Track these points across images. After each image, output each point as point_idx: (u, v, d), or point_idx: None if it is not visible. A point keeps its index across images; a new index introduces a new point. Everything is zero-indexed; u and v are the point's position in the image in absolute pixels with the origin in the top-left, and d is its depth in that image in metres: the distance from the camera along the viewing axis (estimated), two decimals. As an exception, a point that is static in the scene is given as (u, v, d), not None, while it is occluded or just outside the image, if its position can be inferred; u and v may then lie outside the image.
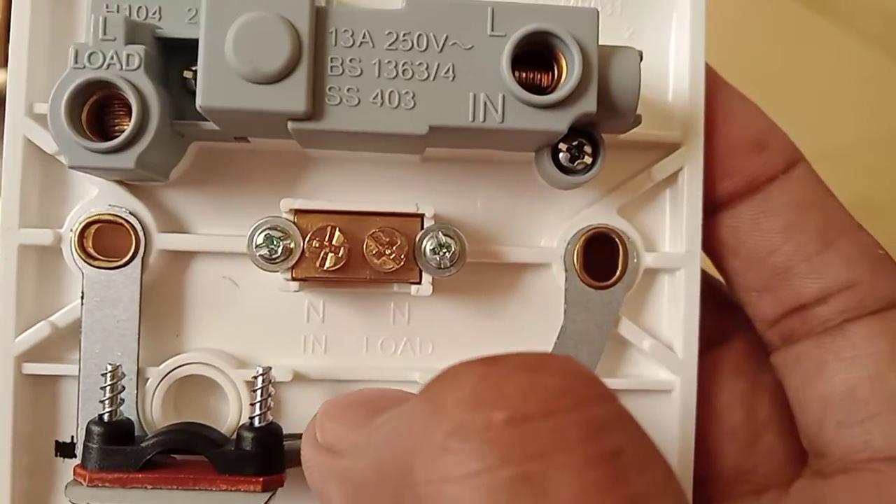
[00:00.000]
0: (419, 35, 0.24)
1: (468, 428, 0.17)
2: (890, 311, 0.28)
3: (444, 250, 0.27)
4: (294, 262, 0.27)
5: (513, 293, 0.30)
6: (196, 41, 0.23)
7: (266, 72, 0.23)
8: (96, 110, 0.25)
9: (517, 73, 0.24)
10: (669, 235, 0.30)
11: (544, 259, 0.29)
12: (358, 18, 0.24)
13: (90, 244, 0.28)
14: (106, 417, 0.26)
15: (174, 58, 0.26)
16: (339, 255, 0.27)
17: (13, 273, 0.27)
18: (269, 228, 0.27)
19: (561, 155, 0.26)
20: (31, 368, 0.28)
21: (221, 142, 0.28)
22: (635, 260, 0.29)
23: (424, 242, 0.27)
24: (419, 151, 0.27)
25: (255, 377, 0.27)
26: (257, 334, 0.29)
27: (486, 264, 0.29)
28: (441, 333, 0.29)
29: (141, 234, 0.28)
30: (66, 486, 0.26)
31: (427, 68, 0.24)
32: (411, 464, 0.18)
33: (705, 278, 0.30)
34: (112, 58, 0.24)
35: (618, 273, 0.29)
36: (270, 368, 0.27)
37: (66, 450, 0.28)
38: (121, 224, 0.28)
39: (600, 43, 0.24)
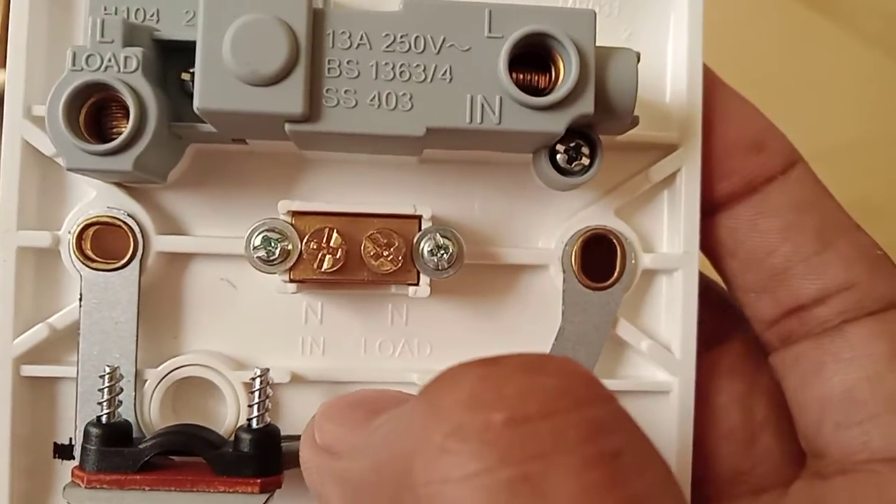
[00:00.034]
0: (416, 37, 0.24)
1: (467, 429, 0.17)
2: (888, 312, 0.27)
3: (442, 252, 0.27)
4: (292, 263, 0.27)
5: (510, 294, 0.30)
6: (194, 43, 0.23)
7: (263, 74, 0.23)
8: (94, 112, 0.25)
9: (514, 75, 0.24)
10: (667, 236, 0.30)
11: (542, 260, 0.29)
12: (355, 20, 0.24)
13: (88, 246, 0.28)
14: (104, 419, 0.26)
15: (172, 60, 0.26)
16: (337, 256, 0.27)
17: (11, 275, 0.28)
18: (267, 230, 0.27)
19: (558, 156, 0.26)
20: (30, 370, 0.28)
21: (219, 144, 0.28)
22: (633, 261, 0.29)
23: (422, 244, 0.27)
24: (417, 153, 0.27)
25: (253, 379, 0.27)
26: (255, 336, 0.29)
27: (484, 266, 0.29)
28: (439, 335, 0.29)
29: (139, 235, 0.28)
30: (64, 488, 0.26)
31: (424, 70, 0.24)
32: (410, 465, 0.18)
33: (701, 279, 0.30)
34: (110, 60, 0.24)
35: (615, 274, 0.29)
36: (268, 370, 0.27)
37: (64, 451, 0.28)
38: (119, 226, 0.28)
39: (598, 44, 0.25)
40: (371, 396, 0.24)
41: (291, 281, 0.27)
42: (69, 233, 0.28)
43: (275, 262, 0.27)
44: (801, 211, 0.28)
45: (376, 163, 0.29)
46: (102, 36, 0.24)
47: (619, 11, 0.30)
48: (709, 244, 0.30)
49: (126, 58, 0.24)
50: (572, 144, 0.26)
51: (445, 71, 0.24)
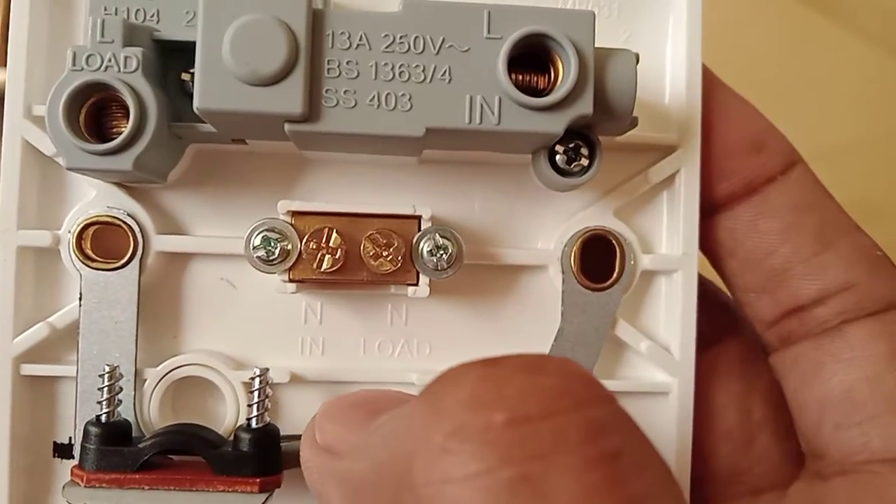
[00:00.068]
0: (416, 37, 0.24)
1: (468, 429, 0.18)
2: (888, 313, 0.27)
3: (441, 252, 0.27)
4: (291, 263, 0.27)
5: (510, 295, 0.30)
6: (194, 43, 0.23)
7: (263, 74, 0.23)
8: (94, 112, 0.25)
9: (513, 76, 0.24)
10: (666, 237, 0.30)
11: (541, 261, 0.29)
12: (354, 21, 0.24)
13: (88, 246, 0.28)
14: (103, 418, 0.26)
15: (172, 60, 0.26)
16: (337, 256, 0.27)
17: (11, 274, 0.28)
18: (267, 230, 0.27)
19: (557, 157, 0.26)
20: (30, 369, 0.28)
21: (219, 144, 0.28)
22: (632, 262, 0.29)
23: (421, 244, 0.27)
24: (416, 153, 0.27)
25: (253, 378, 0.27)
26: (255, 336, 0.29)
27: (483, 266, 0.29)
28: (438, 335, 0.29)
29: (139, 235, 0.28)
30: (64, 487, 0.26)
31: (423, 70, 0.24)
32: (411, 465, 0.18)
33: (698, 279, 0.30)
34: (110, 60, 0.24)
35: (615, 275, 0.29)
36: (268, 370, 0.27)
37: (63, 451, 0.28)
38: (119, 226, 0.28)
39: (597, 45, 0.25)
40: (372, 396, 0.24)
41: (291, 281, 0.27)
42: (69, 232, 0.28)
43: (274, 262, 0.27)
44: (801, 211, 0.28)
45: (376, 163, 0.29)
46: (102, 36, 0.24)
47: (618, 12, 0.30)
48: (709, 245, 0.30)
49: (126, 58, 0.24)
50: (571, 145, 0.26)
51: (445, 71, 0.24)
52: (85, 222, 0.28)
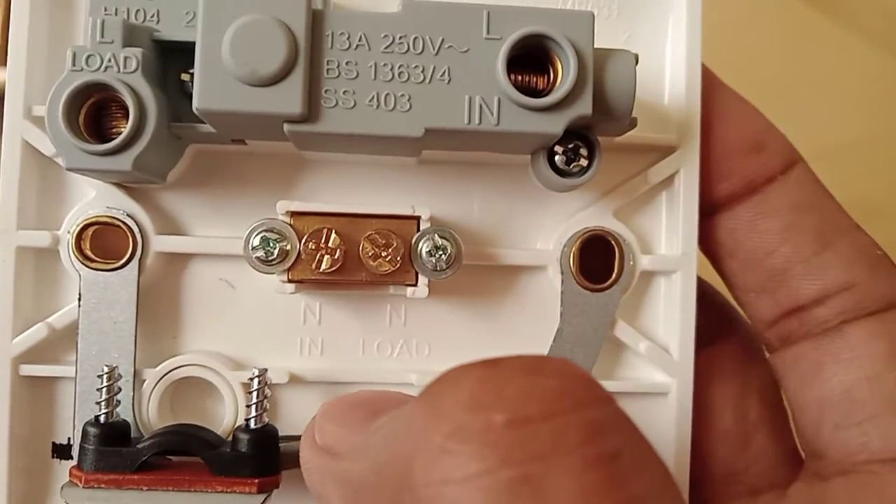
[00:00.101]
0: (415, 38, 0.24)
1: (468, 430, 0.18)
2: (888, 313, 0.27)
3: (441, 252, 0.27)
4: (290, 264, 0.27)
5: (509, 295, 0.30)
6: (193, 44, 0.23)
7: (262, 74, 0.23)
8: (94, 112, 0.25)
9: (513, 76, 0.24)
10: (665, 238, 0.30)
11: (540, 261, 0.29)
12: (354, 21, 0.24)
13: (87, 246, 0.28)
14: (102, 419, 0.26)
15: (172, 60, 0.26)
16: (336, 257, 0.27)
17: (10, 275, 0.28)
18: (266, 230, 0.27)
19: (557, 157, 0.26)
20: (28, 370, 0.28)
21: (218, 144, 0.28)
22: (631, 262, 0.29)
23: (420, 245, 0.27)
24: (415, 154, 0.27)
25: (252, 379, 0.27)
26: (253, 336, 0.29)
27: (483, 267, 0.29)
28: (437, 336, 0.29)
29: (138, 236, 0.28)
30: (62, 488, 0.26)
31: (423, 71, 0.24)
32: (411, 466, 0.18)
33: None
34: (109, 60, 0.24)
35: (614, 275, 0.29)
36: (266, 370, 0.27)
37: (62, 451, 0.28)
38: (118, 226, 0.28)
39: (596, 46, 0.25)
40: (371, 397, 0.24)
41: (290, 281, 0.27)
42: (68, 232, 0.28)
43: (273, 263, 0.27)
44: (801, 211, 0.28)
45: (375, 163, 0.29)
46: (102, 36, 0.24)
47: (617, 13, 0.30)
48: (709, 245, 0.30)
49: (126, 58, 0.24)
50: (570, 146, 0.26)
51: (444, 72, 0.24)
52: (84, 222, 0.28)
